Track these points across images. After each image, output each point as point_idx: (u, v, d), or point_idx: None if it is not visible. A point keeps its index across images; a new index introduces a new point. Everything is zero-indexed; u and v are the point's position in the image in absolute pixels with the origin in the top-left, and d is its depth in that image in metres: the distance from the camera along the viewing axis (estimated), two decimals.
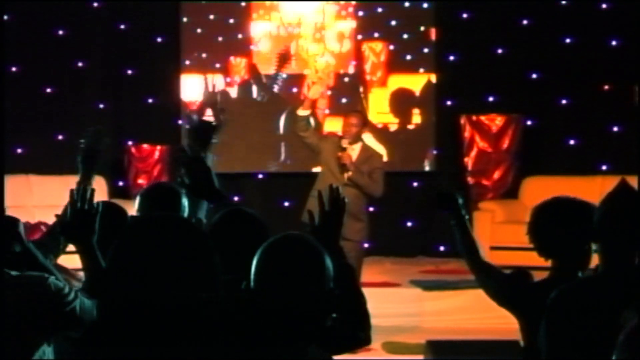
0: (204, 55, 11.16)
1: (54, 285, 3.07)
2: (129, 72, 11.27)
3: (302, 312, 2.24)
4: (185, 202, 3.70)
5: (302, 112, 7.88)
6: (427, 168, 11.26)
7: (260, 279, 2.29)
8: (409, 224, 11.15)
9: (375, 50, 11.28)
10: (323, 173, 7.72)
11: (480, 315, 8.20)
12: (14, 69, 11.02)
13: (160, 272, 1.80)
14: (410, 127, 11.20)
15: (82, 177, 3.85)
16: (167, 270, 1.80)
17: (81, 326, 3.08)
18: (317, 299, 2.27)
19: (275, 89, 11.17)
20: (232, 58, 11.20)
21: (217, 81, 11.21)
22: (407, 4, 11.21)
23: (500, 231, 9.96)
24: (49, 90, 11.18)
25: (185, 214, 3.67)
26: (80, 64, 11.19)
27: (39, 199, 10.20)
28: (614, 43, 10.92)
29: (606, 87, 10.95)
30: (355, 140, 7.71)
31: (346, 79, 11.29)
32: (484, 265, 3.62)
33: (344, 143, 7.62)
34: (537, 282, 3.38)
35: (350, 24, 11.30)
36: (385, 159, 8.63)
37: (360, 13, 11.26)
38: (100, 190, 10.12)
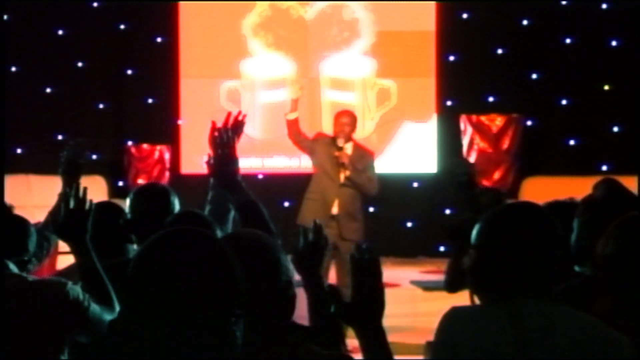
0: (203, 55, 11.15)
1: (71, 291, 3.09)
2: (129, 72, 11.28)
3: (263, 308, 2.23)
4: (176, 201, 3.73)
5: (290, 116, 7.71)
6: (427, 168, 11.25)
7: None
8: (409, 224, 11.15)
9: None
10: (318, 175, 7.61)
11: None
12: (14, 69, 11.03)
13: (177, 291, 1.78)
14: (411, 127, 11.19)
15: (65, 186, 3.79)
16: (183, 290, 1.78)
17: (91, 332, 3.11)
18: (274, 292, 2.27)
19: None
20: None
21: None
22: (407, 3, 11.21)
23: None
24: (49, 90, 11.19)
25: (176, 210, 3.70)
26: (80, 64, 11.20)
27: (39, 199, 10.17)
28: (614, 43, 10.92)
29: (606, 87, 10.95)
30: (348, 139, 7.62)
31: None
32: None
33: (340, 142, 7.51)
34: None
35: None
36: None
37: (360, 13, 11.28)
38: (100, 190, 10.26)
